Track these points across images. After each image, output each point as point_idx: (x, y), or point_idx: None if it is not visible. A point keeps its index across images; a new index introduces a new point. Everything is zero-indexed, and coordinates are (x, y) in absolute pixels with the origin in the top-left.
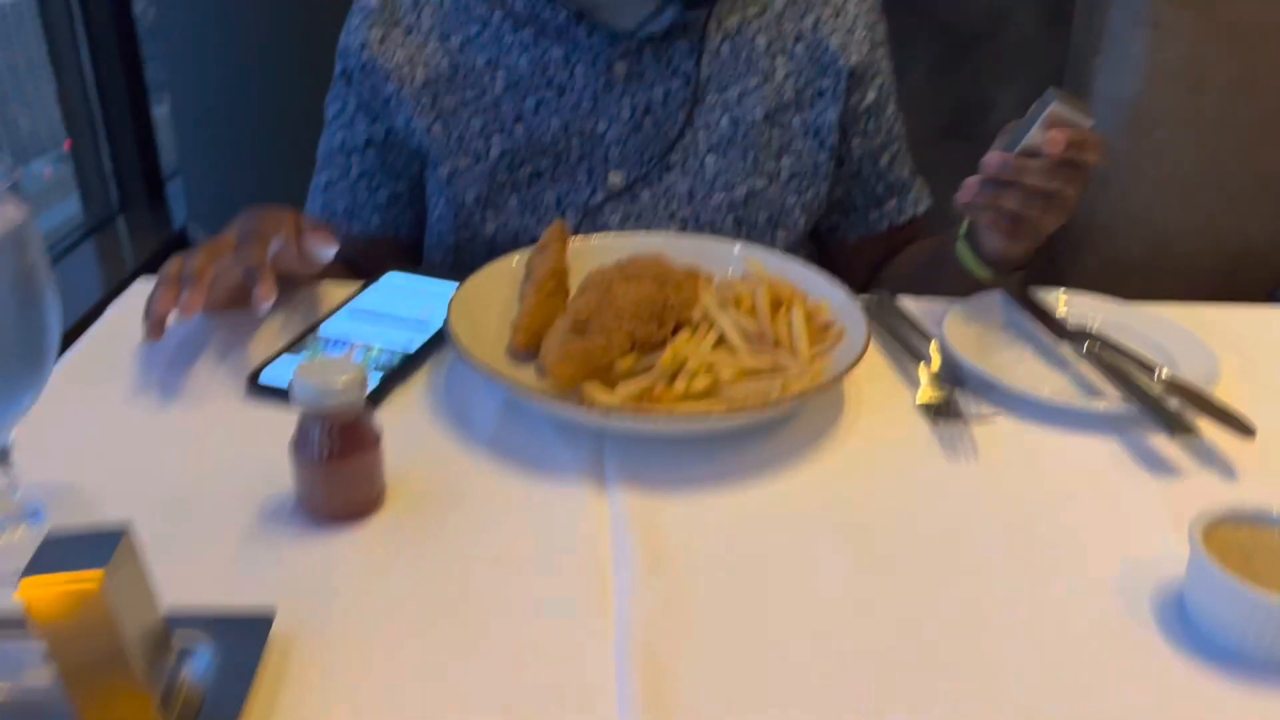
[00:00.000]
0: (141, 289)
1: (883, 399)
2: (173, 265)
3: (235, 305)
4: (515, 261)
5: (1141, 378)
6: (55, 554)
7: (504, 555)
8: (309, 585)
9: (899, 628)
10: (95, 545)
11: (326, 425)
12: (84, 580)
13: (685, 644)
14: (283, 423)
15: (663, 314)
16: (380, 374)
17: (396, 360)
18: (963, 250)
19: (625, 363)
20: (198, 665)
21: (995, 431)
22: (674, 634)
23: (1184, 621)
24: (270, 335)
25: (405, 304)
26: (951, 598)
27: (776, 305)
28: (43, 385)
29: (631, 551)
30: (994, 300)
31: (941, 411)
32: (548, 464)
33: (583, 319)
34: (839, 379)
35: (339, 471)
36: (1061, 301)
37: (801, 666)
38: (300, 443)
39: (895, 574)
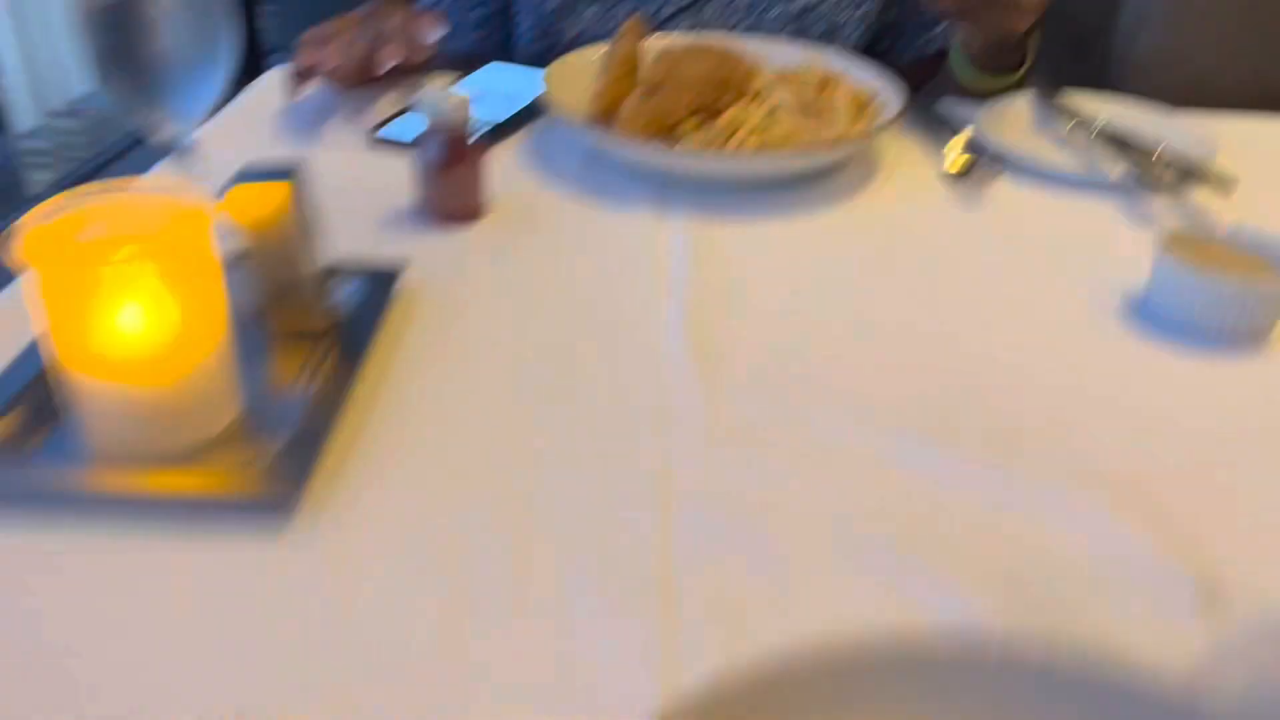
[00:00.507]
0: (274, 76)
1: (913, 168)
2: (310, 32)
3: (361, 79)
4: (598, 54)
5: (1142, 152)
6: (252, 173)
7: (582, 255)
8: (427, 263)
9: (906, 328)
10: (282, 172)
11: (441, 136)
12: (278, 188)
13: (729, 321)
14: (397, 170)
15: (723, 86)
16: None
17: (494, 125)
18: (955, 55)
19: (688, 125)
20: (346, 295)
21: (1007, 192)
22: (720, 310)
23: (1147, 312)
24: (387, 107)
25: (504, 84)
26: (957, 307)
27: (824, 85)
28: (220, 86)
29: (687, 257)
30: (1023, 100)
31: (963, 174)
32: (619, 202)
33: (653, 84)
34: (878, 130)
35: (450, 175)
36: (1083, 102)
37: (821, 343)
38: (422, 152)
39: (910, 283)
